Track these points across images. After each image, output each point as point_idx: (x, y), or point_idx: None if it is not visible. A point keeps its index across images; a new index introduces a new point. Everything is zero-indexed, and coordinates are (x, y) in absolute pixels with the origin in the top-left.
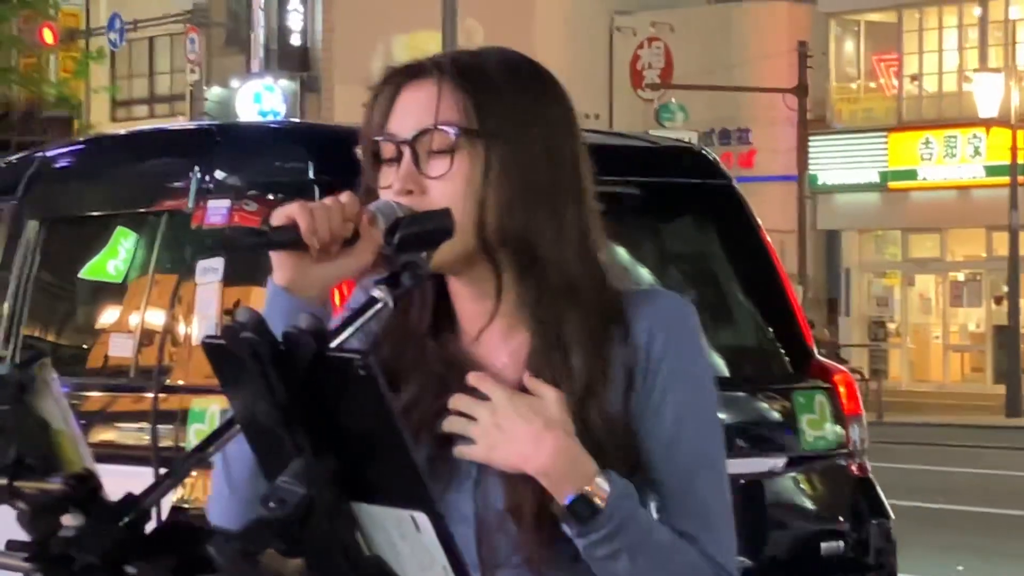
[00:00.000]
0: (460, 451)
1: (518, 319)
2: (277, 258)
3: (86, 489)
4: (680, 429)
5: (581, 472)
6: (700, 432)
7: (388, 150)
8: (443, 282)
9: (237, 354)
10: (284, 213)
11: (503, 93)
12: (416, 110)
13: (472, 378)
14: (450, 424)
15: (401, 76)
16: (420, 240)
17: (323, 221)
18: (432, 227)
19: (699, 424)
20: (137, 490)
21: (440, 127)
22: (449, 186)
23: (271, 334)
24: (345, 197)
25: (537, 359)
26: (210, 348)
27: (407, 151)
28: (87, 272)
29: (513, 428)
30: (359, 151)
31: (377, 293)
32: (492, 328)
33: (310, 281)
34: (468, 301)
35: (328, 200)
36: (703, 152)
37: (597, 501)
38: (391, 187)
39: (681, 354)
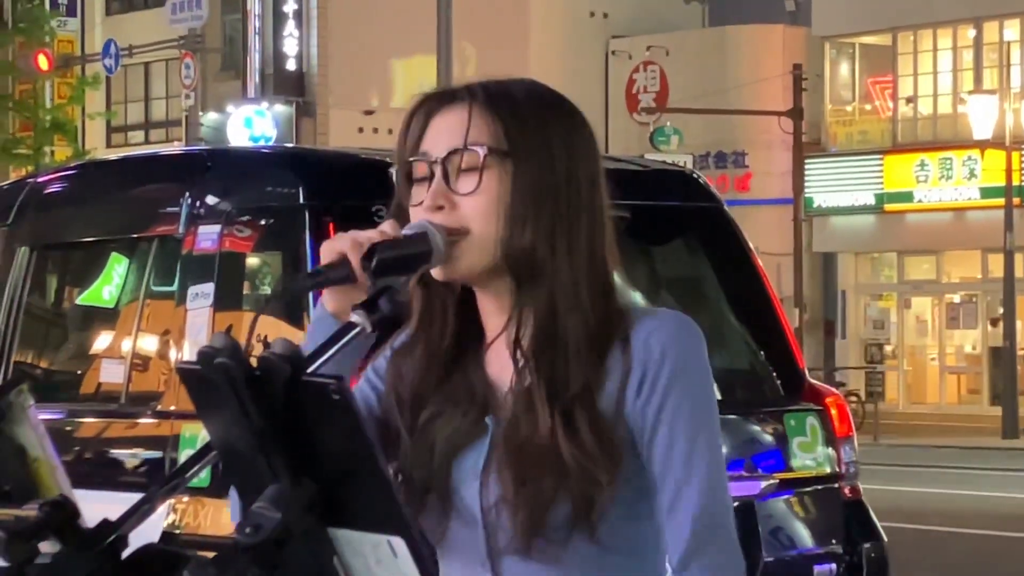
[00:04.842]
0: None
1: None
2: (329, 289)
3: (63, 516)
4: (675, 430)
5: None
6: (696, 430)
7: (420, 169)
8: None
9: (212, 379)
10: (335, 249)
11: (529, 118)
12: (448, 132)
13: None
14: None
15: (434, 101)
16: (398, 265)
17: None
18: (410, 252)
19: (695, 424)
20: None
21: (470, 147)
22: (477, 201)
23: (246, 360)
24: (387, 227)
25: (536, 360)
26: (185, 373)
27: (438, 169)
28: (84, 299)
29: None
30: (393, 171)
31: (355, 318)
32: (506, 342)
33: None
34: (489, 315)
35: (372, 233)
36: (693, 175)
37: None
38: (422, 204)
39: (680, 357)
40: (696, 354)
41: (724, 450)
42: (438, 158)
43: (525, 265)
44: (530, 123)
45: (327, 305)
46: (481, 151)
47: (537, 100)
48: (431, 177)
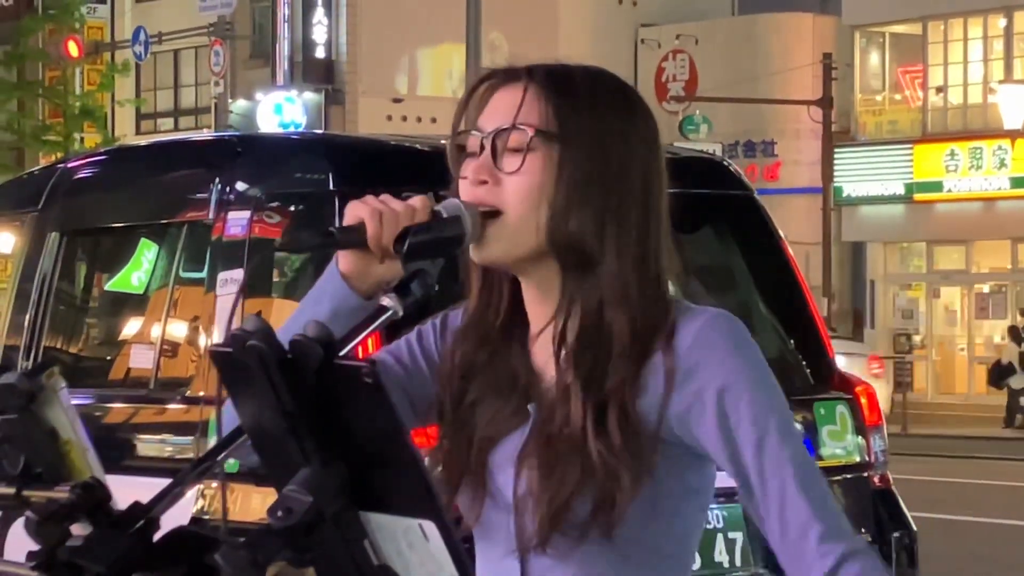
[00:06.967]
0: None
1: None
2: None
3: (94, 498)
4: (755, 432)
5: None
6: (758, 426)
7: (472, 143)
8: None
9: (244, 362)
10: (355, 213)
11: (584, 103)
12: (503, 109)
13: None
14: None
15: (497, 78)
16: (430, 248)
17: (390, 228)
18: (442, 236)
19: (756, 419)
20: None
21: (519, 125)
22: (520, 182)
23: (279, 343)
24: (417, 202)
25: (578, 356)
26: (218, 356)
27: (488, 144)
28: (113, 284)
29: None
30: (448, 143)
31: (387, 301)
32: (551, 331)
33: (367, 276)
34: (533, 303)
35: (399, 205)
36: (724, 163)
37: None
38: (467, 177)
39: (733, 358)
40: (748, 352)
41: None
42: (489, 133)
43: (571, 255)
44: (584, 109)
45: (340, 264)
46: (529, 131)
47: (596, 87)
48: (481, 152)
